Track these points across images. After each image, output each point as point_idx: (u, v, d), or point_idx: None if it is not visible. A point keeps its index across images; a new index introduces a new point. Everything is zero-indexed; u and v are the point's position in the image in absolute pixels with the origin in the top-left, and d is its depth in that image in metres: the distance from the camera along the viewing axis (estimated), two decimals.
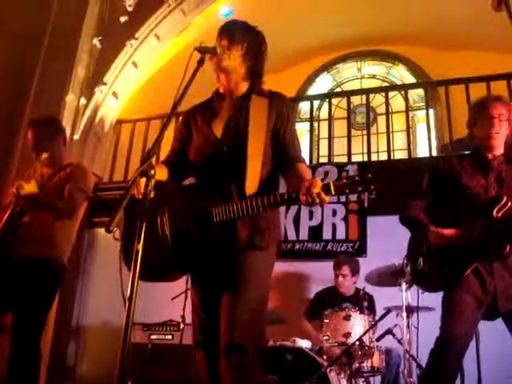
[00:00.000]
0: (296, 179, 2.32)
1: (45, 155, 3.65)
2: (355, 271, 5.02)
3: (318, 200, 2.05)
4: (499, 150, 3.10)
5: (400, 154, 8.10)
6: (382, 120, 8.53)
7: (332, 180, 2.09)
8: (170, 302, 4.77)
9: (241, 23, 2.61)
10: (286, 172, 2.45)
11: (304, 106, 9.64)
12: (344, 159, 6.57)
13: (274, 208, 2.37)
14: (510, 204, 2.78)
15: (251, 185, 2.31)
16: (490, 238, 2.79)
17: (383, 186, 2.01)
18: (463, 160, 3.17)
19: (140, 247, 1.74)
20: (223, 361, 2.23)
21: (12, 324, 3.37)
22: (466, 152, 3.34)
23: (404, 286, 4.11)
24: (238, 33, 2.52)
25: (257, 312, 2.32)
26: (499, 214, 2.79)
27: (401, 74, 9.78)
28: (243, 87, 2.56)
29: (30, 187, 3.49)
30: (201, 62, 2.29)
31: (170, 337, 5.04)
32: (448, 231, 2.94)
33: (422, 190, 3.22)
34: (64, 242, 3.65)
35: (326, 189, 2.06)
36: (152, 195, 1.89)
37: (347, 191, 2.06)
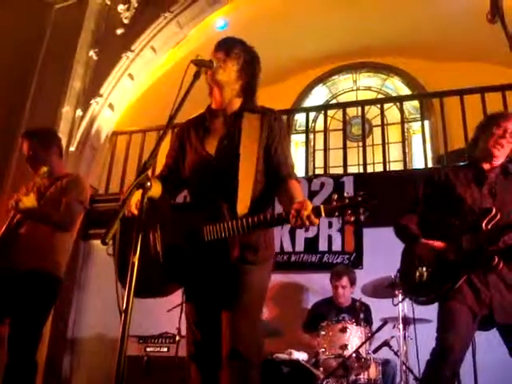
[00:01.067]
0: (287, 199, 2.32)
1: (44, 169, 3.65)
2: (353, 282, 5.02)
3: (307, 223, 2.06)
4: (499, 160, 3.11)
5: (395, 166, 8.10)
6: (377, 132, 8.53)
7: (322, 203, 2.11)
8: (166, 314, 4.74)
9: (238, 40, 2.62)
10: (278, 189, 2.44)
11: (300, 118, 9.66)
12: (340, 171, 6.57)
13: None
14: (499, 216, 2.82)
15: (243, 204, 2.31)
16: (478, 250, 2.83)
17: (374, 206, 2.03)
18: (459, 171, 3.18)
19: (136, 260, 1.74)
20: (225, 371, 2.24)
21: (8, 336, 3.35)
22: (462, 163, 3.35)
23: (400, 297, 4.11)
24: (234, 48, 2.53)
25: (256, 325, 2.34)
26: (488, 227, 2.83)
27: (396, 86, 9.82)
28: (236, 104, 2.56)
29: (28, 201, 3.48)
30: (197, 75, 2.30)
31: (165, 349, 5.02)
32: (437, 244, 2.96)
33: (416, 200, 3.23)
34: (60, 254, 3.61)
35: (316, 212, 2.07)
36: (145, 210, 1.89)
37: (337, 214, 2.07)
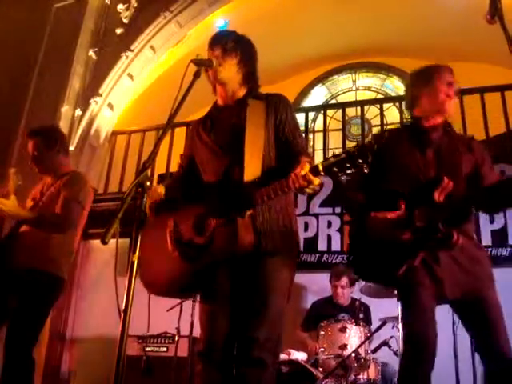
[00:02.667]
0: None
1: (13, 170, 3.60)
2: (353, 281, 5.01)
3: (305, 183, 2.04)
4: (440, 118, 2.83)
5: None
6: (376, 131, 8.55)
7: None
8: (165, 314, 4.75)
9: (230, 32, 2.65)
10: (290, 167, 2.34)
11: (299, 118, 9.62)
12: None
13: (278, 206, 2.38)
14: (451, 185, 2.51)
15: (250, 175, 2.29)
16: (434, 226, 2.48)
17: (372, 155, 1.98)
18: (399, 135, 2.92)
19: (135, 259, 1.74)
20: (240, 373, 2.23)
21: (6, 334, 3.34)
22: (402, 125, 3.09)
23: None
24: (229, 42, 2.54)
25: (276, 328, 2.30)
26: (441, 198, 2.50)
27: (395, 86, 9.82)
28: (241, 93, 2.58)
29: (10, 203, 3.38)
30: (197, 75, 2.31)
31: (164, 349, 5.02)
32: (388, 219, 2.61)
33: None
34: (61, 254, 3.54)
35: (314, 170, 2.03)
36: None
37: (336, 169, 2.01)
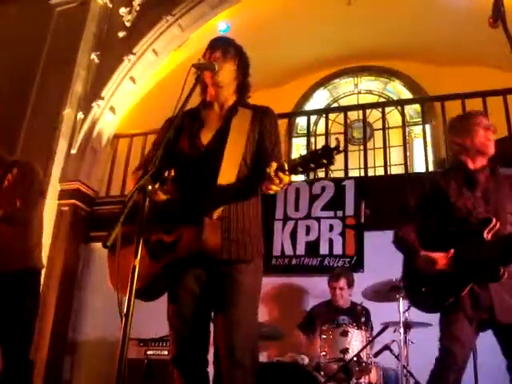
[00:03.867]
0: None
1: None
2: (351, 283, 5.01)
3: (277, 181, 2.08)
4: (484, 160, 3.11)
5: (397, 169, 8.10)
6: (378, 135, 8.55)
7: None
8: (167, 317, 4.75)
9: (231, 40, 2.68)
10: None
11: (301, 121, 9.67)
12: (341, 174, 6.56)
13: (252, 214, 2.43)
14: (498, 225, 2.83)
15: (224, 178, 2.32)
16: (483, 261, 2.82)
17: (337, 156, 2.02)
18: (448, 176, 3.17)
19: (137, 263, 1.74)
20: (222, 378, 2.25)
21: (1, 338, 3.34)
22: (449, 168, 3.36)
23: (401, 301, 4.10)
24: (230, 47, 2.58)
25: (250, 332, 2.32)
26: (489, 236, 2.83)
27: (397, 90, 9.82)
28: (231, 100, 2.61)
29: None
30: (198, 79, 2.31)
31: (166, 352, 5.01)
32: (438, 256, 2.94)
33: (410, 210, 3.21)
34: (35, 246, 3.55)
35: (280, 168, 2.07)
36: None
37: (301, 169, 2.06)
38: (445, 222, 3.04)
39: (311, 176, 6.36)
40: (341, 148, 2.02)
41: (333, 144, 2.01)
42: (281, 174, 2.06)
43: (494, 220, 2.84)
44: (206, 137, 2.53)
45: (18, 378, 3.27)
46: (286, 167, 2.07)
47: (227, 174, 2.35)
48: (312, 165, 2.03)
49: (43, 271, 3.66)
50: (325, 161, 2.00)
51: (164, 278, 2.33)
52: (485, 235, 2.84)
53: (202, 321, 2.39)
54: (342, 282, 4.97)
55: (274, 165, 2.07)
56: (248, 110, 2.58)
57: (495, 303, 2.83)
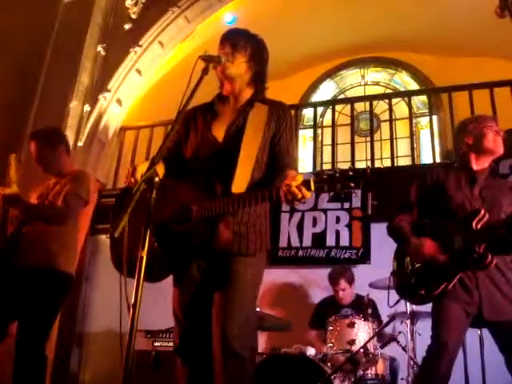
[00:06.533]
0: (279, 180, 2.21)
1: (13, 156, 3.60)
2: (351, 280, 5.01)
3: (299, 195, 2.00)
4: (486, 163, 3.20)
5: (403, 161, 8.08)
6: (385, 127, 8.53)
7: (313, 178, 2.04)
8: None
9: (243, 31, 2.64)
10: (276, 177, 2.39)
11: (308, 113, 9.65)
12: (347, 166, 6.56)
13: (259, 210, 2.42)
14: (487, 217, 2.90)
15: (238, 185, 2.30)
16: (470, 249, 2.86)
17: (370, 186, 2.01)
18: (450, 172, 3.25)
19: (144, 254, 1.74)
20: (217, 368, 2.25)
21: (16, 333, 3.36)
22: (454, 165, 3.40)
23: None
24: (240, 40, 2.54)
25: (248, 321, 2.33)
26: (478, 226, 2.90)
27: (404, 81, 9.79)
28: (247, 93, 2.58)
29: (11, 190, 3.43)
30: (205, 71, 2.30)
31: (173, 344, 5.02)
32: (428, 243, 3.01)
33: (408, 203, 3.28)
34: (63, 249, 3.59)
35: (306, 184, 2.01)
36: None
37: (326, 189, 2.01)
38: (438, 212, 3.12)
39: (317, 168, 6.35)
40: (369, 174, 1.99)
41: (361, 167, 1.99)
42: (304, 191, 2.00)
43: (483, 210, 2.91)
44: (218, 129, 2.52)
45: (31, 374, 3.29)
46: (312, 185, 2.01)
47: (243, 170, 2.34)
48: (338, 185, 2.00)
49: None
50: (352, 184, 1.99)
51: (171, 265, 2.36)
52: (473, 224, 2.90)
53: (202, 309, 2.38)
54: (343, 283, 4.96)
55: (299, 179, 2.00)
56: (264, 105, 2.55)
57: (483, 299, 2.88)
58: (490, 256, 2.79)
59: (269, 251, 2.56)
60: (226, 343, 2.23)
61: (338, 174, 2.00)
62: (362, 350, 4.11)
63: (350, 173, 1.99)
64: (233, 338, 2.23)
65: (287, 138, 2.52)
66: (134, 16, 7.58)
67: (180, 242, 2.29)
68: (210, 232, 2.25)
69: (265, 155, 2.47)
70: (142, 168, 2.25)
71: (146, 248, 1.76)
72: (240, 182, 2.31)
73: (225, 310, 2.29)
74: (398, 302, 4.07)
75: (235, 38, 2.54)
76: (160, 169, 2.42)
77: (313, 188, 2.01)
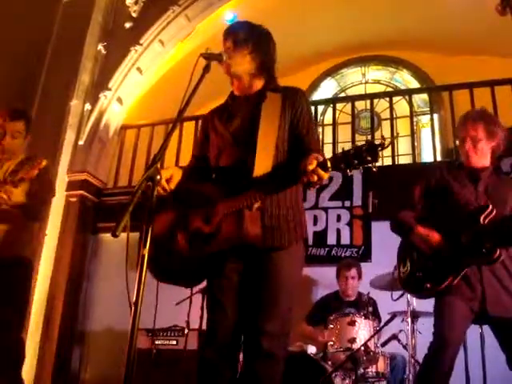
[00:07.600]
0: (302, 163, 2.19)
1: None
2: (360, 275, 5.03)
3: (315, 178, 2.00)
4: (484, 162, 3.16)
5: (404, 159, 8.08)
6: (386, 125, 8.53)
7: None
8: (175, 307, 4.76)
9: (244, 23, 2.62)
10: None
11: None
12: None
13: (289, 202, 2.39)
14: (495, 212, 2.89)
15: (260, 176, 2.27)
16: (479, 243, 2.85)
17: (382, 150, 1.97)
18: (453, 171, 3.24)
19: (146, 252, 1.74)
20: (249, 366, 2.25)
21: None
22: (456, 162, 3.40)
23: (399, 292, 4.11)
24: (241, 33, 2.53)
25: (284, 321, 2.30)
26: (486, 221, 2.89)
27: (405, 79, 9.78)
28: (258, 84, 2.56)
29: (19, 194, 3.32)
30: (206, 69, 2.29)
31: (174, 342, 5.03)
32: (433, 234, 3.01)
33: (412, 201, 3.26)
34: (21, 236, 3.51)
35: (322, 165, 2.00)
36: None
37: (343, 165, 2.00)
38: (444, 209, 3.11)
39: None
40: (386, 144, 1.96)
41: (377, 140, 1.96)
42: (320, 172, 1.99)
43: (491, 206, 2.90)
44: (234, 127, 2.51)
45: (11, 355, 3.31)
46: (329, 164, 2.00)
47: (263, 162, 2.31)
48: (356, 161, 1.97)
49: (50, 263, 3.66)
50: (369, 157, 1.95)
51: (205, 268, 2.34)
52: (481, 220, 2.89)
53: (238, 309, 2.34)
54: (354, 271, 4.98)
55: (315, 162, 2.00)
56: (277, 94, 2.51)
57: (487, 294, 2.87)
58: (498, 251, 2.78)
59: (307, 245, 2.54)
60: (260, 342, 2.21)
61: (352, 150, 1.99)
62: (362, 348, 4.11)
63: (364, 147, 1.96)
64: (268, 336, 2.21)
65: (305, 121, 2.49)
66: (134, 14, 7.57)
67: (210, 242, 2.27)
68: (237, 227, 2.21)
69: (285, 143, 2.43)
70: (164, 173, 2.28)
71: (147, 247, 1.76)
72: (261, 173, 2.28)
73: (261, 310, 2.27)
74: (401, 296, 4.07)
75: (236, 32, 2.53)
76: (177, 174, 2.43)
77: (329, 166, 2.00)
